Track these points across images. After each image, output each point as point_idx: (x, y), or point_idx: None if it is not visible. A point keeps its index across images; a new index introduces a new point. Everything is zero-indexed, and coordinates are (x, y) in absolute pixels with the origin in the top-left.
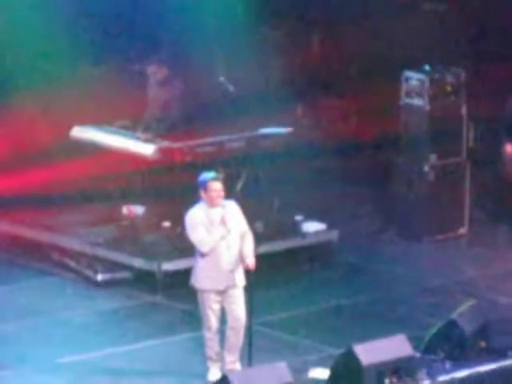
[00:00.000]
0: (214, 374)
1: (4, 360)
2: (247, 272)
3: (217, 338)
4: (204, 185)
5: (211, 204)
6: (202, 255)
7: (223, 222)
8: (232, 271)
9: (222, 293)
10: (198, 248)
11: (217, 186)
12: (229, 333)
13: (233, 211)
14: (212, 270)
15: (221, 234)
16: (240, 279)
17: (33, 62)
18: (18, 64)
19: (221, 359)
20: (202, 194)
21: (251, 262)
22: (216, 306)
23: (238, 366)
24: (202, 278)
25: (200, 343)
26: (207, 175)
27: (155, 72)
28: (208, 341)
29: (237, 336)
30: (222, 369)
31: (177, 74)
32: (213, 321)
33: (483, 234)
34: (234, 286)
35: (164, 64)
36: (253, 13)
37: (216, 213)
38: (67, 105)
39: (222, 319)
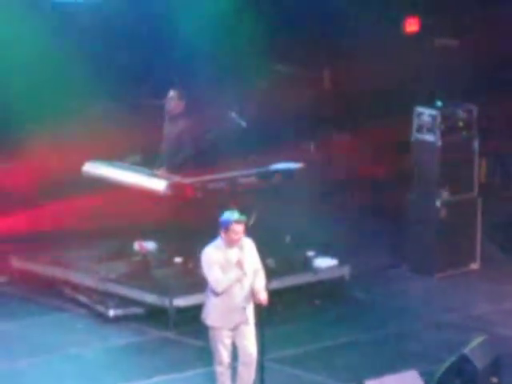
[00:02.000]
0: None
1: None
2: (259, 307)
3: (229, 373)
4: (226, 225)
5: (230, 245)
6: (216, 294)
7: (240, 264)
8: (244, 309)
9: (233, 329)
10: (212, 287)
11: (239, 229)
12: (240, 368)
13: (249, 251)
14: (224, 308)
15: (236, 276)
16: (251, 316)
17: (48, 97)
18: (34, 99)
19: None
20: (223, 233)
21: (263, 297)
22: (228, 341)
23: None
24: (214, 315)
25: (212, 379)
26: (231, 216)
27: (173, 107)
28: (220, 375)
29: (249, 372)
30: None
31: (190, 109)
32: (224, 355)
33: (495, 269)
34: (245, 322)
35: (183, 99)
36: (265, 49)
37: (233, 253)
38: (80, 140)
39: (234, 355)
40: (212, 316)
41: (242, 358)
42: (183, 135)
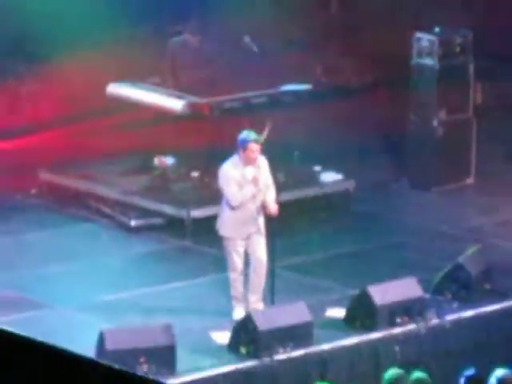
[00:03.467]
0: (239, 313)
1: (47, 300)
2: (269, 218)
3: (241, 279)
4: (244, 144)
5: (247, 163)
6: (231, 207)
7: (255, 181)
8: (256, 220)
9: (246, 239)
10: (228, 201)
11: (256, 148)
12: (252, 275)
13: (263, 169)
14: (238, 220)
15: (252, 192)
16: (262, 226)
17: (74, 23)
18: (60, 24)
19: (245, 299)
20: (241, 152)
21: (274, 209)
22: (241, 250)
23: (260, 306)
24: (228, 226)
25: (225, 284)
26: (249, 136)
27: (190, 39)
28: (233, 281)
29: (259, 278)
30: (245, 308)
31: (206, 37)
32: (238, 262)
33: (488, 183)
34: (257, 232)
35: (197, 33)
36: None
37: (249, 171)
38: (105, 63)
39: (246, 262)
40: (226, 227)
41: (253, 265)
42: (198, 55)
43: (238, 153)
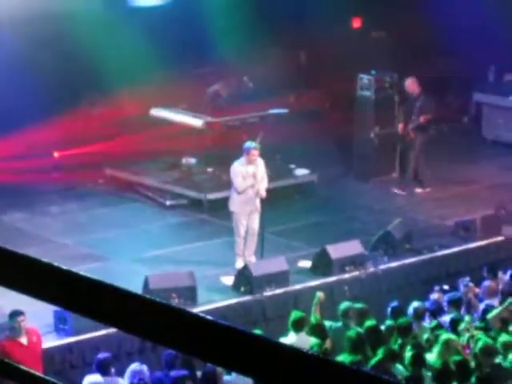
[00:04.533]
0: (239, 263)
1: (109, 254)
2: (261, 200)
3: (242, 242)
4: (247, 150)
5: (249, 163)
6: (238, 192)
7: (254, 176)
8: (254, 201)
9: (247, 214)
10: (235, 188)
11: (255, 152)
12: (248, 238)
13: (260, 167)
14: (242, 201)
15: (251, 183)
16: (259, 206)
17: (131, 64)
18: (121, 65)
19: (243, 255)
20: (245, 154)
21: (263, 193)
22: (244, 222)
23: (253, 259)
24: (236, 204)
25: (231, 245)
26: (250, 144)
27: (221, 90)
28: (237, 243)
29: (253, 241)
30: (243, 261)
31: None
32: (241, 230)
33: (409, 176)
34: (255, 210)
35: (227, 86)
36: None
37: (251, 168)
38: (150, 93)
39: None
40: (235, 205)
41: (249, 232)
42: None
43: (243, 155)
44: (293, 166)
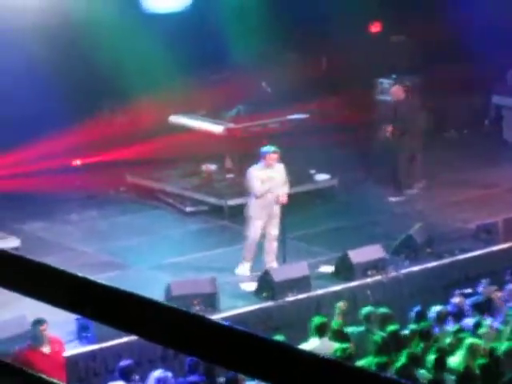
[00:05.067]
0: (241, 269)
1: (129, 262)
2: (282, 205)
3: (253, 247)
4: (265, 154)
5: (267, 166)
6: (256, 196)
7: (272, 179)
8: (272, 206)
9: (264, 219)
10: (253, 192)
11: (273, 156)
12: (267, 244)
13: (279, 171)
14: (259, 205)
15: (269, 187)
16: (278, 211)
17: (150, 72)
18: (141, 74)
19: (250, 261)
20: (263, 158)
21: (284, 199)
22: (260, 227)
23: (274, 264)
24: (253, 208)
25: None
26: (269, 149)
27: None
28: (247, 246)
29: (272, 246)
30: (250, 267)
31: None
32: (256, 236)
33: (430, 180)
34: (273, 215)
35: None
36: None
37: (269, 172)
38: (169, 100)
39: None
40: (251, 209)
41: (268, 237)
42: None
43: (261, 159)
44: (313, 171)
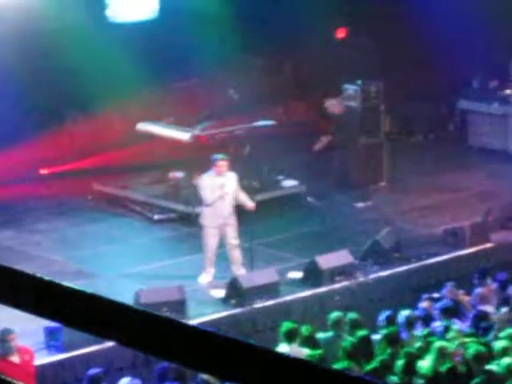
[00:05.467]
0: (202, 278)
1: (96, 270)
2: (249, 212)
3: (211, 256)
4: (215, 162)
5: (218, 174)
6: (206, 205)
7: (222, 187)
8: (224, 214)
9: (217, 227)
10: (203, 201)
11: (222, 164)
12: (230, 253)
13: (231, 179)
14: (211, 213)
15: (220, 194)
16: (233, 219)
17: (112, 81)
18: (104, 82)
19: (209, 270)
20: (213, 166)
21: (251, 205)
22: (214, 236)
23: (242, 271)
24: (205, 217)
25: (222, 258)
26: (217, 156)
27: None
28: (205, 258)
29: (235, 254)
30: (210, 276)
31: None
32: (209, 243)
33: (395, 185)
34: (228, 223)
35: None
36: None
37: (219, 180)
38: (134, 109)
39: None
40: (204, 218)
41: (228, 246)
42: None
43: (212, 167)
44: (281, 177)
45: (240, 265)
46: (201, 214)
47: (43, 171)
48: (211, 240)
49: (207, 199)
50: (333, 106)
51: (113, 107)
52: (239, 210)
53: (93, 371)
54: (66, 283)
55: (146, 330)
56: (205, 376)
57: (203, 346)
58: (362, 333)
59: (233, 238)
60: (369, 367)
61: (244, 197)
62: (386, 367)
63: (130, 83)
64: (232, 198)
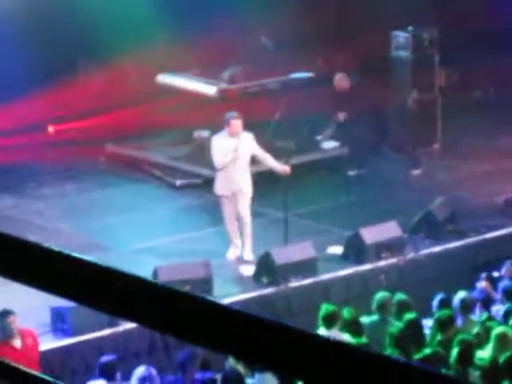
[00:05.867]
0: (230, 254)
1: (108, 242)
2: (283, 177)
3: (234, 229)
4: (227, 121)
5: (231, 134)
6: (217, 170)
7: (235, 150)
8: (238, 181)
9: (229, 195)
10: (214, 164)
11: (236, 123)
12: (242, 227)
13: (246, 141)
14: (224, 179)
15: (231, 157)
16: (246, 188)
17: (130, 27)
18: (120, 28)
19: (237, 245)
20: (225, 126)
21: (283, 168)
22: (230, 206)
23: (251, 257)
24: (217, 184)
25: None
26: (230, 114)
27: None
28: (228, 232)
29: (246, 233)
30: (238, 252)
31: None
32: (228, 217)
33: (451, 148)
34: (239, 192)
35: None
36: None
37: (233, 141)
38: (155, 58)
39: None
40: (216, 185)
41: (240, 220)
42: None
43: (225, 126)
44: (319, 137)
45: (249, 249)
46: (214, 181)
47: (51, 128)
48: (228, 210)
49: (217, 163)
50: (340, 80)
51: (130, 56)
52: (270, 177)
53: (106, 358)
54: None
55: (169, 308)
56: (232, 363)
57: (233, 326)
58: (410, 316)
59: (244, 210)
60: (418, 356)
61: (272, 160)
62: (438, 356)
63: (150, 29)
64: (246, 163)
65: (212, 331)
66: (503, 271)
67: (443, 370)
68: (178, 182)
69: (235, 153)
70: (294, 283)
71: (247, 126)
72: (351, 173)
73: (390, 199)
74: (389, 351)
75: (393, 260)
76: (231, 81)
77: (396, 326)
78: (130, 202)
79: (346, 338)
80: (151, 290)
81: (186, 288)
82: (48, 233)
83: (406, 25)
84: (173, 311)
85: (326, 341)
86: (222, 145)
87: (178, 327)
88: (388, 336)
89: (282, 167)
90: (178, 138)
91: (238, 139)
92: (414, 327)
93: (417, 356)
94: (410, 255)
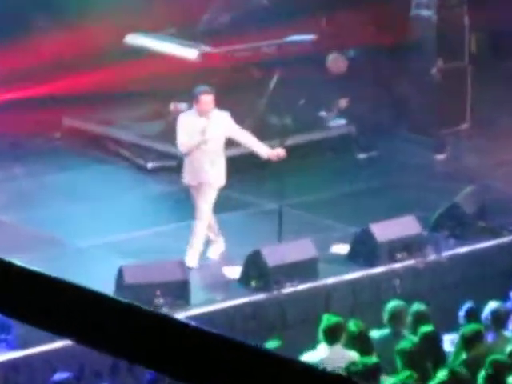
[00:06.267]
0: (211, 252)
1: (63, 236)
2: (277, 161)
3: (211, 223)
4: (196, 97)
5: (200, 113)
6: (184, 155)
7: (203, 132)
8: (204, 169)
9: (196, 185)
10: (178, 148)
11: (207, 99)
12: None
13: (219, 121)
14: (188, 167)
15: (198, 141)
16: (214, 179)
17: None
18: None
19: (216, 239)
20: (194, 103)
21: (277, 152)
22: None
23: (194, 255)
24: (185, 172)
25: (234, 223)
26: (200, 88)
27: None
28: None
29: (197, 231)
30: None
31: None
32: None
33: (483, 128)
34: (206, 183)
35: None
36: None
37: (202, 121)
38: (123, 16)
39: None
40: (184, 174)
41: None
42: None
43: (193, 103)
44: (323, 113)
45: (195, 249)
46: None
47: None
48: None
49: (181, 146)
50: (335, 61)
51: (94, 13)
52: (260, 162)
53: (59, 376)
54: (19, 255)
55: (126, 329)
56: None
57: (203, 354)
58: (426, 329)
59: (203, 204)
60: (438, 379)
61: (257, 144)
62: (462, 380)
63: None
64: (218, 148)
65: (176, 358)
66: None
67: None
68: (150, 165)
69: (203, 135)
70: (289, 288)
71: (235, 98)
72: (361, 155)
73: (408, 188)
74: (402, 372)
75: (409, 262)
76: (214, 42)
77: (408, 340)
78: (91, 188)
79: (353, 355)
80: (103, 305)
81: (157, 293)
82: None
83: None
84: (129, 334)
85: (302, 366)
86: (189, 125)
87: (135, 353)
88: (397, 354)
89: (272, 152)
90: (151, 112)
91: (207, 119)
92: (431, 342)
93: (436, 380)
94: (431, 257)
